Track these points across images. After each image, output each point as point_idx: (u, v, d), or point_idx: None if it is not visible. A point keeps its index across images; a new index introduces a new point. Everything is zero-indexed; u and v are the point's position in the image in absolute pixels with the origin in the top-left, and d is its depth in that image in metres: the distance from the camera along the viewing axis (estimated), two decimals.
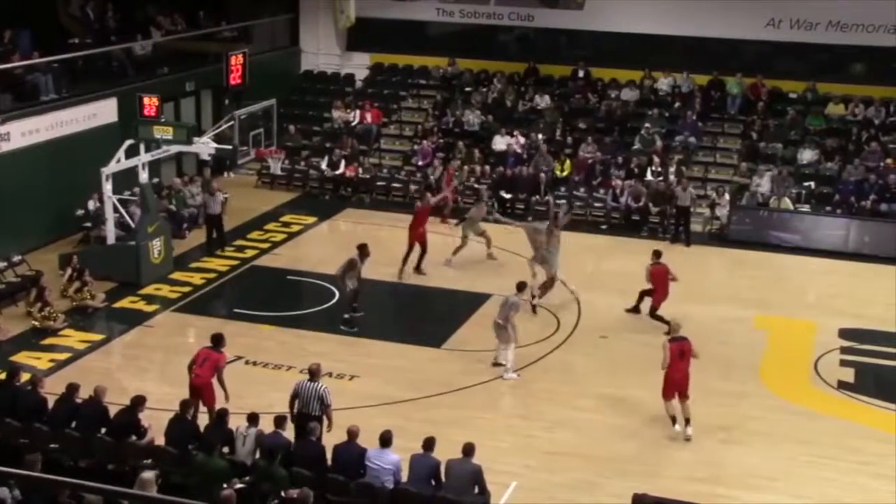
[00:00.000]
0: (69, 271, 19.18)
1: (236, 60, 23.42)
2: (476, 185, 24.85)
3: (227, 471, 11.52)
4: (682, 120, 26.91)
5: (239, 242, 22.50)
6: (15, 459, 10.68)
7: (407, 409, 15.15)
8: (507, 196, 24.84)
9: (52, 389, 13.58)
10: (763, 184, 24.41)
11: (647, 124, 26.57)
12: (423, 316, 19.90)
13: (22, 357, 16.58)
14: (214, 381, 13.88)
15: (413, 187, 25.48)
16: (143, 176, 20.53)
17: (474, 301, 19.34)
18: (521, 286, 16.97)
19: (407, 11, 30.00)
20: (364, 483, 11.64)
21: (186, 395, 13.45)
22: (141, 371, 16.69)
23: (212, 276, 20.66)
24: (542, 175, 24.89)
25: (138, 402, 12.77)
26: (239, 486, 11.31)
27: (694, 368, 14.93)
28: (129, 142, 20.24)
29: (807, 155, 25.37)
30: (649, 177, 24.88)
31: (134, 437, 12.58)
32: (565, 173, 25.69)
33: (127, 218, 20.78)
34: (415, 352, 17.43)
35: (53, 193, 21.47)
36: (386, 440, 11.86)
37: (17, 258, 19.88)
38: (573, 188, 25.25)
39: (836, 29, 26.76)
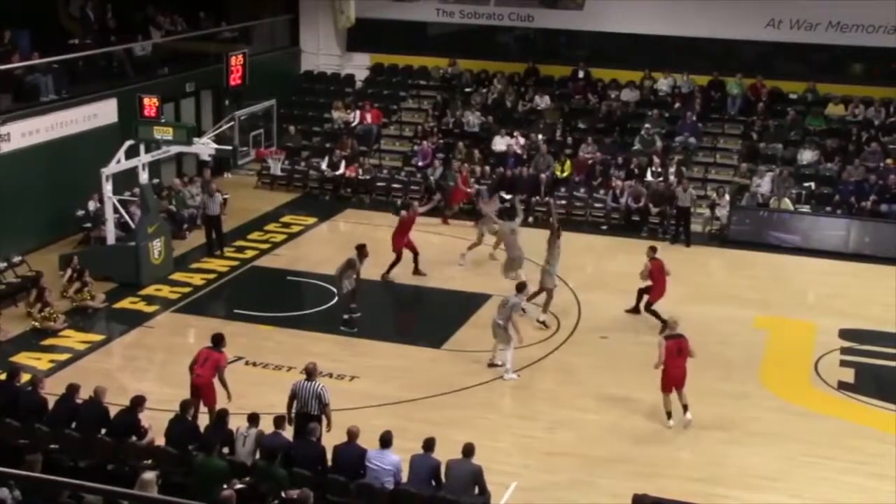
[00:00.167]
0: (69, 272, 19.18)
1: (236, 61, 23.42)
2: (476, 186, 24.88)
3: (227, 471, 11.51)
4: (682, 120, 26.88)
5: (239, 243, 22.51)
6: (15, 460, 10.69)
7: (407, 410, 15.16)
8: (507, 197, 24.82)
9: (52, 390, 13.58)
10: (763, 184, 24.41)
11: (647, 125, 26.56)
12: (423, 316, 19.92)
13: (22, 357, 16.59)
14: (215, 381, 13.91)
15: (413, 187, 25.49)
16: (144, 176, 20.54)
17: (474, 301, 19.33)
18: (520, 287, 16.99)
19: (407, 12, 29.99)
20: (364, 483, 11.63)
21: (187, 396, 13.45)
22: (141, 371, 16.70)
23: (212, 276, 20.67)
24: (543, 176, 24.89)
25: (138, 402, 12.78)
26: (239, 486, 11.29)
27: (694, 369, 14.96)
28: (129, 142, 20.24)
29: (807, 155, 25.36)
30: (649, 177, 24.89)
31: (134, 438, 12.57)
32: (565, 174, 25.69)
33: (127, 218, 20.77)
34: (415, 352, 17.43)
35: (54, 194, 21.46)
36: (386, 441, 11.86)
37: (17, 259, 19.89)
38: (573, 189, 25.27)
39: (836, 29, 26.74)
